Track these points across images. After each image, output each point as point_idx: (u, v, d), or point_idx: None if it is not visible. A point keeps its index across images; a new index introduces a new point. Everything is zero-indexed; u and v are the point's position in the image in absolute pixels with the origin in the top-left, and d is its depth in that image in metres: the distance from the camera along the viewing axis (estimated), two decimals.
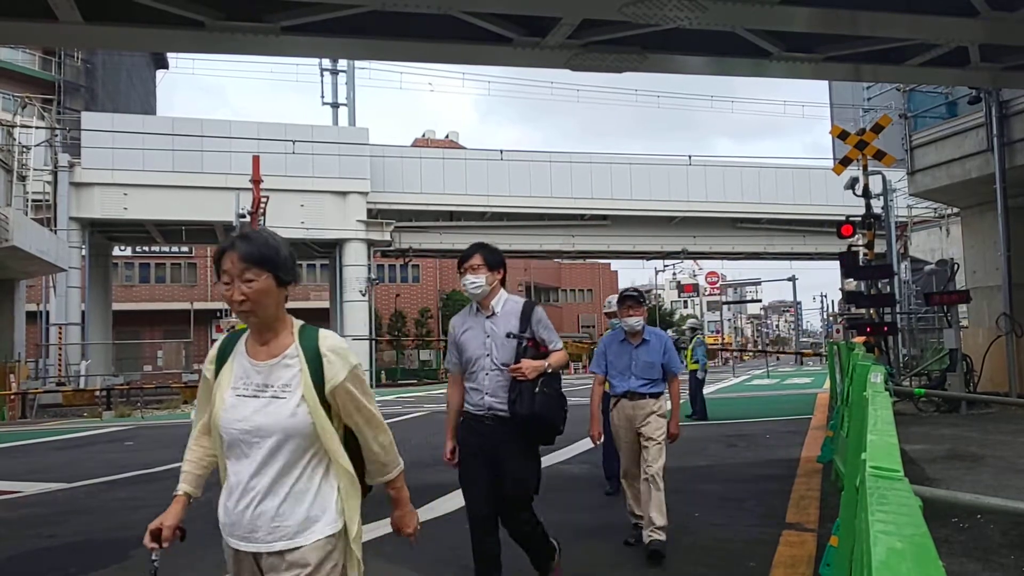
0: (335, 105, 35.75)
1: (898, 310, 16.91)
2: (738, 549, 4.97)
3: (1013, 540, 4.79)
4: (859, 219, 13.78)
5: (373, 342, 33.61)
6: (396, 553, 4.96)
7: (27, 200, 23.25)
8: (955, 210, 20.86)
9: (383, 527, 5.78)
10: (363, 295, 31.66)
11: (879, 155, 13.82)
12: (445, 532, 5.52)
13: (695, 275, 78.08)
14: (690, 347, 14.21)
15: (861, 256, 14.80)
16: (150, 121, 31.28)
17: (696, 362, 13.87)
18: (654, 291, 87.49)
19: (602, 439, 5.19)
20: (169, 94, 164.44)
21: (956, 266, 16.36)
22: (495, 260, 3.89)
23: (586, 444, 10.42)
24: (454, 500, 6.60)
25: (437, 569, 4.66)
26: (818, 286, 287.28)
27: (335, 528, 2.15)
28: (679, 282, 78.52)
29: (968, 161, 14.18)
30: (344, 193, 31.33)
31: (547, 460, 8.96)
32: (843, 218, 13.97)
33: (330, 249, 32.92)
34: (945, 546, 4.60)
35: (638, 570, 4.64)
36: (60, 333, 27.29)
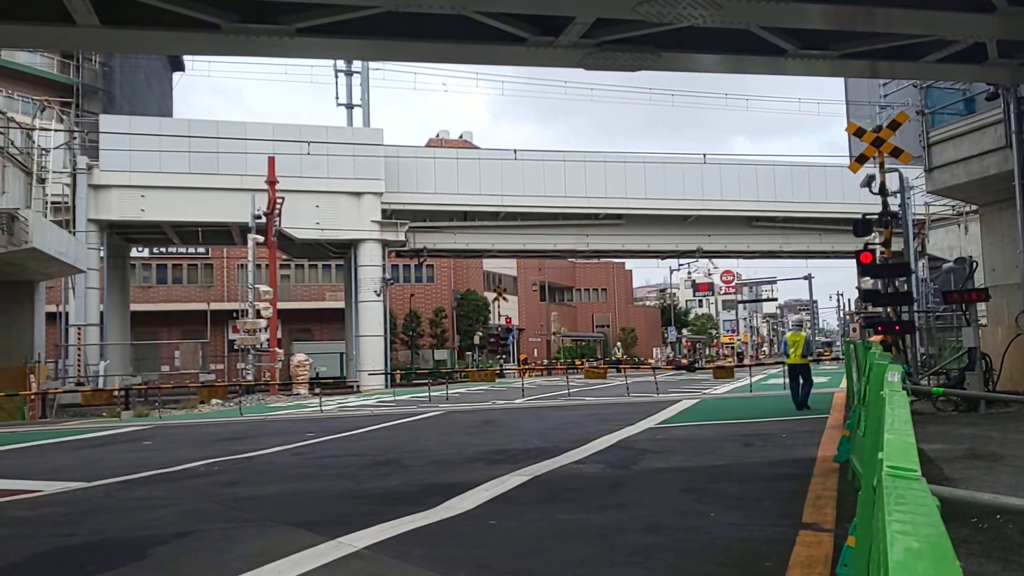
0: (349, 106, 35.89)
1: (915, 308, 16.76)
2: (754, 549, 4.94)
3: None
4: (876, 217, 13.69)
5: (388, 342, 33.71)
6: (410, 552, 4.98)
7: (46, 202, 23.46)
8: (973, 207, 20.67)
9: (397, 526, 5.82)
10: (378, 295, 31.76)
11: (896, 152, 13.73)
12: (459, 531, 5.56)
13: (710, 274, 77.91)
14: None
15: (878, 254, 14.71)
16: (167, 123, 31.53)
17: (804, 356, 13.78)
18: (668, 290, 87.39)
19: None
20: (185, 96, 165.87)
21: (975, 264, 16.19)
22: None
23: (601, 444, 10.44)
24: (468, 499, 6.64)
25: (450, 568, 4.67)
26: (834, 284, 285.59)
27: None
28: (694, 281, 78.34)
29: (986, 158, 14.04)
30: (359, 194, 31.45)
31: (562, 460, 8.98)
32: (859, 216, 13.88)
33: (345, 249, 33.06)
34: (964, 546, 4.55)
35: (650, 568, 4.62)
36: (79, 334, 27.53)
